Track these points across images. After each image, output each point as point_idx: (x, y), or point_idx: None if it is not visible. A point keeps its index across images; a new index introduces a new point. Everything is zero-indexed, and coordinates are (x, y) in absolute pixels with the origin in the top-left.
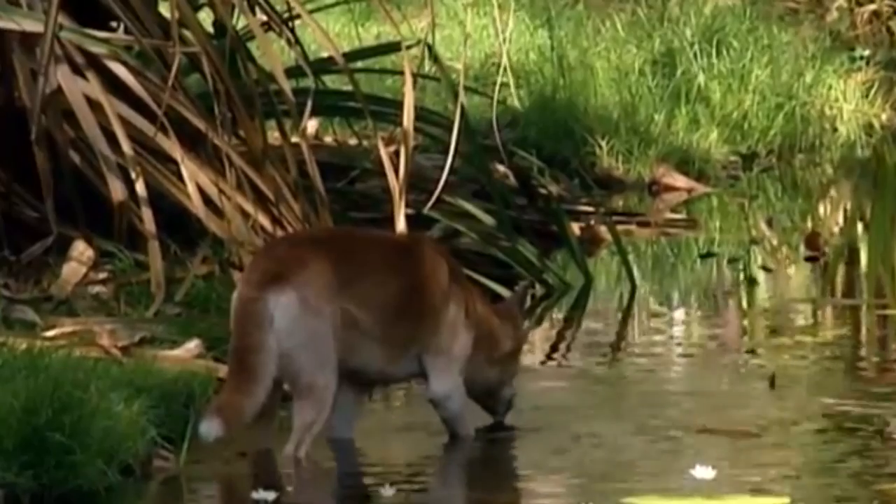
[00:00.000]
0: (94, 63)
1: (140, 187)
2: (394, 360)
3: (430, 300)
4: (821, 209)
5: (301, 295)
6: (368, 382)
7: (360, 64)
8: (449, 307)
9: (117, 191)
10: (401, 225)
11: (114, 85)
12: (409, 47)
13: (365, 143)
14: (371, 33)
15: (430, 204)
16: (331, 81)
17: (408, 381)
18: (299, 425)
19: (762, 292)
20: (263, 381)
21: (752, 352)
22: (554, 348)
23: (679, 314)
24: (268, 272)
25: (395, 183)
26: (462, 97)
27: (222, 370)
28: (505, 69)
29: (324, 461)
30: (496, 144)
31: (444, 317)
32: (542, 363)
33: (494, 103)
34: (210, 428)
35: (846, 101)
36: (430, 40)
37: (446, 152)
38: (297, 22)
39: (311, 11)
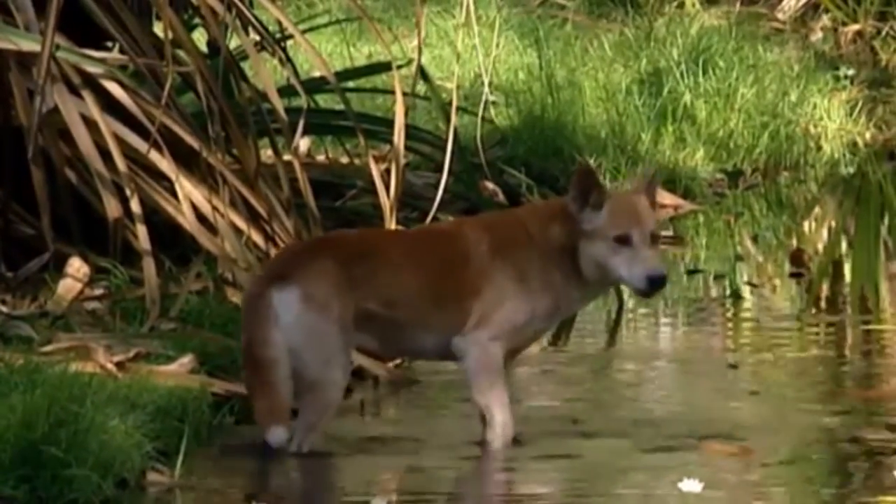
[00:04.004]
0: (90, 82)
1: (135, 204)
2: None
3: (471, 277)
4: (805, 226)
5: (304, 292)
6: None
7: (351, 83)
8: (495, 278)
9: (112, 208)
10: None
11: (109, 104)
12: (399, 67)
13: (356, 161)
14: (362, 53)
15: (427, 222)
16: (323, 100)
17: None
18: (303, 420)
19: (747, 308)
20: (281, 369)
21: (737, 366)
22: (543, 363)
23: (666, 329)
24: (274, 271)
25: (386, 200)
26: (454, 116)
27: (216, 385)
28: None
29: (317, 472)
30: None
31: (491, 289)
32: (531, 377)
33: (479, 121)
34: (277, 435)
35: (830, 120)
36: (420, 60)
37: (436, 170)
38: (290, 42)
39: (304, 31)
